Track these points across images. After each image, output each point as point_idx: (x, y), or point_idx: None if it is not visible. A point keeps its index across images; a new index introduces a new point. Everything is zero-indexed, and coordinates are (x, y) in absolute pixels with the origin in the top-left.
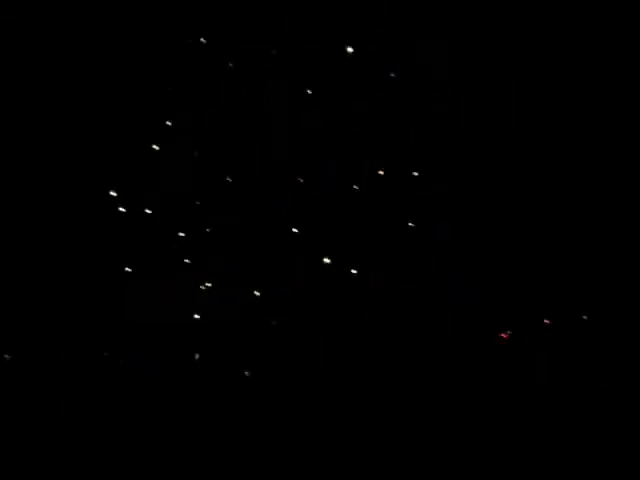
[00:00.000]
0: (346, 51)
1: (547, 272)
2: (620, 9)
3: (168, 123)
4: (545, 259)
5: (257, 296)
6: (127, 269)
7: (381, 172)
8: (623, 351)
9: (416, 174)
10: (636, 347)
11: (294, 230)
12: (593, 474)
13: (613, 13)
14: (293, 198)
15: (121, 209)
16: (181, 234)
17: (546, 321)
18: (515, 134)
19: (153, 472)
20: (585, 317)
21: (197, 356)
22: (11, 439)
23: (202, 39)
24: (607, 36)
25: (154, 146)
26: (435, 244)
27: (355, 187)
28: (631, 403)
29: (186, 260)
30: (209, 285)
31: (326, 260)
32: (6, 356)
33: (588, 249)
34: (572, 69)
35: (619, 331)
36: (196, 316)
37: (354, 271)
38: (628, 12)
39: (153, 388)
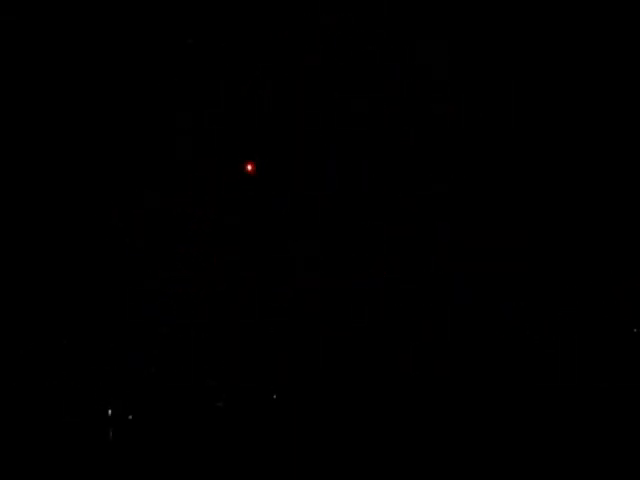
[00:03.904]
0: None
1: (547, 272)
2: (620, 9)
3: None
4: (545, 259)
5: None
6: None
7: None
8: (623, 351)
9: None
10: (636, 347)
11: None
12: (593, 474)
13: (613, 13)
14: (293, 198)
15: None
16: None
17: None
18: (515, 134)
19: (153, 472)
20: (586, 317)
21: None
22: (11, 439)
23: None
24: (607, 36)
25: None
26: (435, 244)
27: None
28: (631, 403)
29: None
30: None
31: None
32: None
33: (588, 249)
34: (572, 69)
35: (619, 330)
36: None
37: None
38: (628, 12)
39: (152, 388)
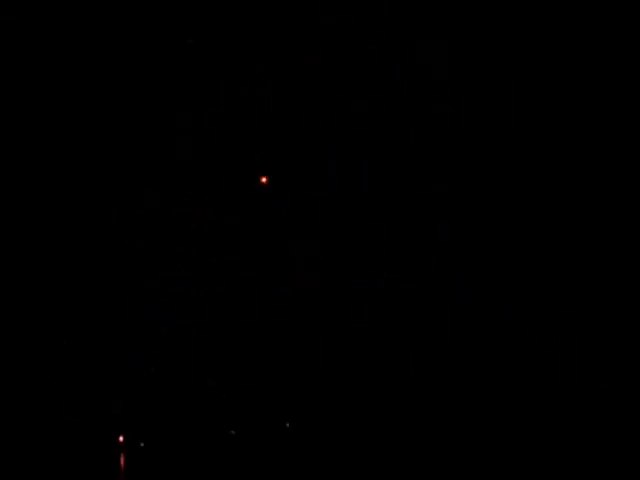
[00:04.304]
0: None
1: (547, 272)
2: (620, 9)
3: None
4: (545, 259)
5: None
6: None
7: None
8: (623, 351)
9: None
10: (636, 347)
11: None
12: (593, 474)
13: (613, 13)
14: (293, 198)
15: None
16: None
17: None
18: (515, 134)
19: (153, 473)
20: (586, 317)
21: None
22: (11, 438)
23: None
24: (607, 36)
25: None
26: (435, 244)
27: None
28: (631, 403)
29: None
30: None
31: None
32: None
33: (588, 249)
34: (572, 69)
35: (619, 330)
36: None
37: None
38: (628, 12)
39: (152, 388)
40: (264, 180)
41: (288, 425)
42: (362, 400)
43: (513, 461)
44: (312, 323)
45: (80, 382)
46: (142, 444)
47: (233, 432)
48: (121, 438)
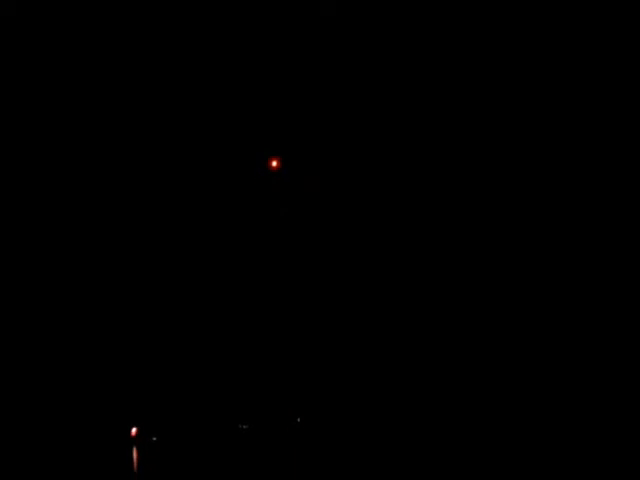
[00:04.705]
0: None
1: (547, 272)
2: (620, 9)
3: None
4: (545, 259)
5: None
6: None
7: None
8: (623, 351)
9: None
10: (636, 347)
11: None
12: (593, 474)
13: (613, 13)
14: (294, 198)
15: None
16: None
17: None
18: (515, 134)
19: (152, 473)
20: (585, 317)
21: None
22: (10, 438)
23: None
24: (607, 36)
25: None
26: (435, 244)
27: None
28: (631, 403)
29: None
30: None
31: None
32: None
33: (588, 249)
34: (572, 69)
35: (619, 331)
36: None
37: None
38: (628, 12)
39: (153, 388)
40: (274, 164)
41: (299, 420)
42: (362, 400)
43: (513, 461)
44: (312, 323)
45: (80, 382)
46: (154, 438)
47: (244, 427)
48: (133, 432)
